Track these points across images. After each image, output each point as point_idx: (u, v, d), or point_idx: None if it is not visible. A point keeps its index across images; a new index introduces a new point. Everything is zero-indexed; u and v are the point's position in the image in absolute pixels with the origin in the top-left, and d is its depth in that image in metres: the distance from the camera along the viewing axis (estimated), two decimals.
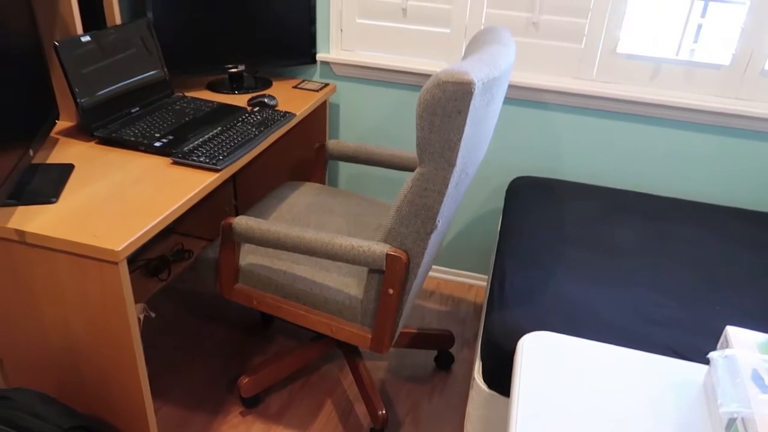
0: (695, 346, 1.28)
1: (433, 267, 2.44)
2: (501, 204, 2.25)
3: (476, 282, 2.41)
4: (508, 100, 2.06)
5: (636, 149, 2.02)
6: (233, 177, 2.40)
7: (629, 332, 1.31)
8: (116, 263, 1.14)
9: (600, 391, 0.89)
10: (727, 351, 0.83)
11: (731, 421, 0.76)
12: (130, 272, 2.30)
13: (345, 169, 2.35)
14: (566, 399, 0.87)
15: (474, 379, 1.42)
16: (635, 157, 2.03)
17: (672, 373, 0.94)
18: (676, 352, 1.26)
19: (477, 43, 1.50)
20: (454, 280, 2.43)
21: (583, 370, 0.93)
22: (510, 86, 2.02)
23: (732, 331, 0.86)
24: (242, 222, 1.45)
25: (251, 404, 1.77)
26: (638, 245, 1.66)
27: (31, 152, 1.33)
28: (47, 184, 1.31)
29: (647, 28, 1.89)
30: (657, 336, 1.31)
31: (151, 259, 2.38)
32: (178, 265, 2.38)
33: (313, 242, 1.39)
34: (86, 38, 1.54)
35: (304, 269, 1.54)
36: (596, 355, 0.97)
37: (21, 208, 1.23)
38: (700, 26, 1.84)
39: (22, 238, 1.17)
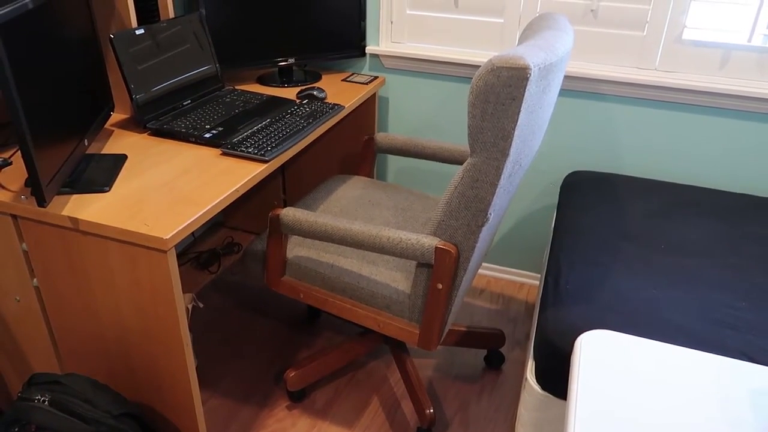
0: None
1: (484, 264, 2.38)
2: (555, 200, 2.16)
3: (528, 281, 2.33)
4: (564, 92, 1.98)
5: (702, 142, 1.90)
6: (282, 171, 2.41)
7: (696, 334, 1.23)
8: (165, 251, 1.14)
9: (667, 396, 0.82)
10: None
11: None
12: (181, 265, 2.34)
13: (393, 162, 2.32)
14: (629, 403, 0.81)
15: (526, 379, 1.36)
16: (701, 150, 1.91)
17: (748, 378, 0.86)
18: (749, 357, 1.16)
19: (532, 30, 1.43)
20: (505, 278, 2.36)
21: (647, 373, 0.87)
22: (566, 77, 1.94)
23: None
24: (289, 213, 1.44)
25: (297, 398, 1.76)
26: (704, 243, 1.56)
27: (86, 142, 1.35)
28: (101, 174, 1.33)
29: (716, 12, 1.77)
30: (727, 339, 1.21)
31: (201, 252, 2.41)
32: (228, 258, 2.41)
33: (360, 235, 1.36)
34: (140, 31, 1.56)
35: (351, 262, 1.51)
36: (662, 356, 0.90)
37: (75, 197, 1.25)
38: None
39: (75, 226, 1.19)
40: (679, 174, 1.97)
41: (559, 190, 2.12)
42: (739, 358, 1.15)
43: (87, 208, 1.21)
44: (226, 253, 2.43)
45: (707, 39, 1.78)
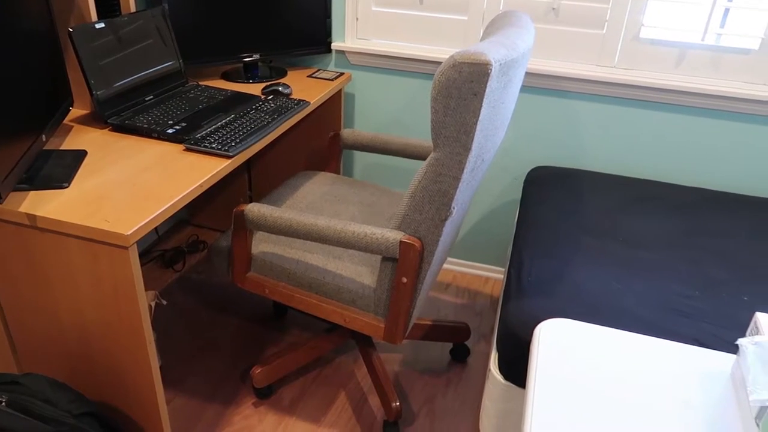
0: (721, 337, 1.23)
1: (449, 259, 2.41)
2: (518, 195, 2.20)
3: (493, 275, 2.37)
4: (526, 88, 2.02)
5: (659, 138, 1.96)
6: (248, 168, 2.39)
7: (652, 323, 1.27)
8: (126, 248, 1.13)
9: (622, 381, 0.85)
10: (758, 337, 0.78)
11: (762, 410, 0.71)
12: (145, 263, 2.31)
13: (360, 159, 2.32)
14: (586, 388, 0.83)
15: (490, 370, 1.39)
16: (659, 146, 1.97)
17: (698, 363, 0.90)
18: (701, 344, 1.21)
19: (494, 27, 1.46)
20: (471, 272, 2.39)
21: (603, 359, 0.89)
22: (528, 74, 1.97)
23: (762, 318, 0.81)
24: (254, 209, 1.43)
25: (264, 395, 1.75)
26: (661, 236, 1.61)
27: (44, 138, 1.32)
28: (60, 170, 1.30)
29: (671, 12, 1.83)
30: (681, 327, 1.26)
31: (166, 250, 2.38)
32: (193, 256, 2.38)
33: (326, 230, 1.36)
34: (100, 25, 1.53)
35: (316, 258, 1.51)
36: (617, 343, 0.93)
37: (33, 193, 1.22)
38: (727, 10, 1.78)
39: (33, 223, 1.16)
40: (637, 169, 2.02)
41: (522, 185, 2.16)
42: (692, 344, 1.19)
43: (45, 204, 1.18)
44: (192, 251, 2.40)
45: (664, 38, 1.83)
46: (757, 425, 0.73)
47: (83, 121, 1.60)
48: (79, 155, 1.39)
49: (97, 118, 1.59)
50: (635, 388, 0.84)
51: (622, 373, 0.86)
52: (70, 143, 1.46)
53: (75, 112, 1.65)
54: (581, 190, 1.84)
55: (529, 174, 1.99)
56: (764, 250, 1.57)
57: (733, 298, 1.37)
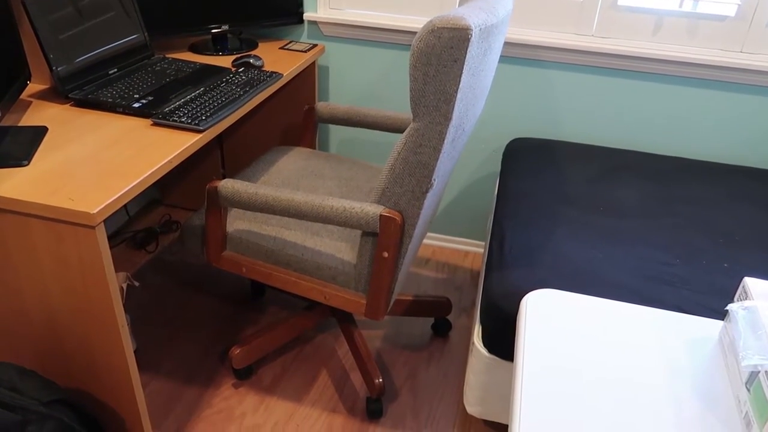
0: (704, 304, 1.23)
1: (429, 234, 2.38)
2: (497, 168, 2.18)
3: (473, 249, 2.35)
4: (504, 59, 1.98)
5: (637, 107, 1.95)
6: (220, 144, 2.32)
7: (635, 291, 1.26)
8: (93, 227, 1.07)
9: (610, 349, 0.84)
10: (747, 302, 0.77)
11: (753, 375, 0.71)
12: (116, 245, 2.24)
13: (336, 133, 2.27)
14: (574, 357, 0.82)
15: (473, 343, 1.37)
16: (636, 115, 1.96)
17: (685, 329, 0.89)
18: (683, 311, 1.21)
19: None
20: (450, 247, 2.37)
21: (591, 328, 0.88)
22: (507, 44, 1.94)
23: (751, 283, 0.80)
24: (228, 185, 1.38)
25: (244, 376, 1.72)
26: (641, 205, 1.61)
27: None
28: (18, 147, 1.23)
29: None
30: (664, 294, 1.26)
31: (137, 231, 2.30)
32: (166, 236, 2.31)
33: (303, 205, 1.32)
34: None
35: (294, 234, 1.47)
36: (604, 312, 0.92)
37: None
38: None
39: None
40: (616, 139, 2.02)
41: (501, 157, 2.13)
42: (675, 311, 1.19)
43: (3, 183, 1.12)
44: (164, 231, 2.33)
45: (641, 5, 1.81)
46: (748, 390, 0.72)
47: (43, 96, 1.52)
48: (39, 131, 1.31)
49: (58, 93, 1.50)
50: (624, 357, 0.82)
51: (610, 342, 0.85)
52: (29, 119, 1.38)
53: (33, 86, 1.57)
54: (560, 161, 1.83)
55: (507, 146, 1.97)
56: (742, 217, 1.58)
57: (713, 265, 1.37)
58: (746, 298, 0.79)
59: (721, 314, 1.18)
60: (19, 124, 1.35)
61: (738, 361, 0.76)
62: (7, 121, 1.36)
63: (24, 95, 1.51)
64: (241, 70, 1.72)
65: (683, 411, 0.74)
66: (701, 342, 0.87)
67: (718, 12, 1.77)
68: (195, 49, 1.94)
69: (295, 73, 1.86)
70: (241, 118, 2.01)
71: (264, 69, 1.76)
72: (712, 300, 1.25)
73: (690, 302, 1.24)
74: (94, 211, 1.05)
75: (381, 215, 1.28)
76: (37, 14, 1.38)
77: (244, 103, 1.53)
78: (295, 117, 2.15)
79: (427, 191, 1.25)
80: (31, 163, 1.19)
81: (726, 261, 1.39)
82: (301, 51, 1.97)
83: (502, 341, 1.29)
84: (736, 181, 1.76)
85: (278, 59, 1.89)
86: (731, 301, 1.24)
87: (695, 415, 0.74)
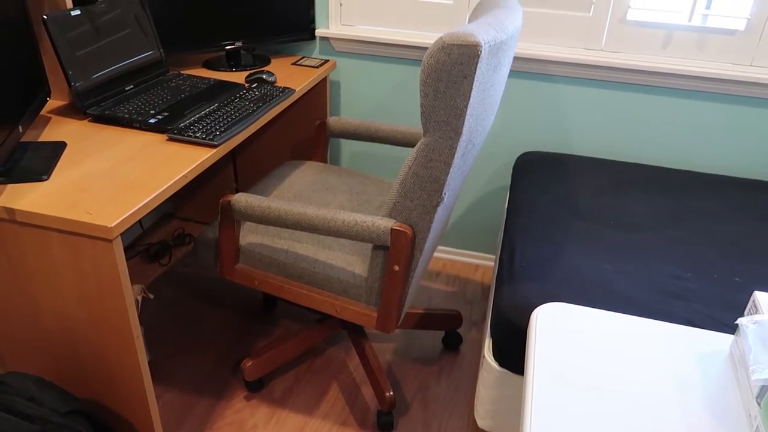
0: (715, 318, 1.23)
1: (439, 247, 2.39)
2: (507, 182, 2.19)
3: (483, 262, 2.36)
4: (513, 73, 2.00)
5: (647, 121, 1.95)
6: (233, 158, 2.35)
7: (645, 305, 1.26)
8: (110, 240, 1.09)
9: (621, 363, 0.84)
10: (757, 316, 0.77)
11: (764, 389, 0.71)
12: (131, 258, 2.26)
13: (347, 147, 2.29)
14: (584, 370, 0.82)
15: (484, 357, 1.38)
16: (647, 129, 1.97)
17: (695, 344, 0.89)
18: (694, 325, 1.20)
19: (482, 9, 1.44)
20: (461, 260, 2.38)
21: (601, 342, 0.88)
22: (516, 58, 1.96)
23: (761, 297, 0.81)
24: (242, 199, 1.40)
25: (255, 388, 1.73)
26: (652, 219, 1.61)
27: (20, 129, 1.28)
28: (38, 162, 1.26)
29: None
30: (674, 308, 1.25)
31: (151, 244, 2.33)
32: (179, 249, 2.34)
33: (315, 218, 1.34)
34: (76, 12, 1.48)
35: (306, 248, 1.49)
36: (614, 326, 0.92)
37: (11, 186, 1.18)
38: None
39: (11, 216, 1.12)
40: (625, 152, 2.02)
41: (511, 171, 2.14)
42: (686, 326, 1.19)
43: (24, 197, 1.14)
44: (178, 244, 2.36)
45: (650, 19, 1.82)
46: (759, 404, 0.72)
47: (61, 112, 1.55)
48: (58, 147, 1.34)
49: (76, 109, 1.54)
50: (634, 371, 0.83)
51: (620, 356, 0.85)
52: (49, 135, 1.42)
53: (53, 102, 1.61)
54: (570, 175, 1.83)
55: (518, 160, 1.98)
56: (753, 230, 1.57)
57: (724, 278, 1.37)
58: (756, 312, 0.80)
59: (732, 328, 1.18)
60: (39, 140, 1.39)
61: (748, 375, 0.76)
62: (28, 137, 1.39)
63: (43, 111, 1.55)
64: (254, 85, 1.75)
65: (693, 425, 0.74)
66: (712, 356, 0.87)
67: (728, 26, 1.77)
68: (209, 65, 1.98)
69: (307, 89, 1.89)
70: (254, 132, 2.03)
71: (276, 85, 1.79)
72: (723, 314, 1.24)
73: (700, 316, 1.24)
74: (112, 225, 1.07)
75: (392, 229, 1.29)
76: (56, 32, 1.42)
77: (258, 119, 1.56)
78: (307, 131, 2.18)
79: (437, 205, 1.27)
80: (51, 177, 1.22)
81: (737, 275, 1.38)
82: (313, 66, 2.01)
83: (513, 355, 1.29)
84: (747, 194, 1.76)
85: (291, 75, 1.92)
86: (742, 315, 1.24)
87: (705, 429, 0.74)
